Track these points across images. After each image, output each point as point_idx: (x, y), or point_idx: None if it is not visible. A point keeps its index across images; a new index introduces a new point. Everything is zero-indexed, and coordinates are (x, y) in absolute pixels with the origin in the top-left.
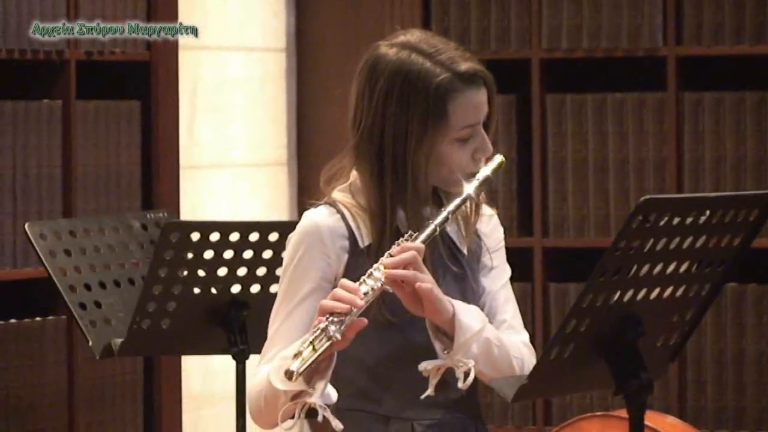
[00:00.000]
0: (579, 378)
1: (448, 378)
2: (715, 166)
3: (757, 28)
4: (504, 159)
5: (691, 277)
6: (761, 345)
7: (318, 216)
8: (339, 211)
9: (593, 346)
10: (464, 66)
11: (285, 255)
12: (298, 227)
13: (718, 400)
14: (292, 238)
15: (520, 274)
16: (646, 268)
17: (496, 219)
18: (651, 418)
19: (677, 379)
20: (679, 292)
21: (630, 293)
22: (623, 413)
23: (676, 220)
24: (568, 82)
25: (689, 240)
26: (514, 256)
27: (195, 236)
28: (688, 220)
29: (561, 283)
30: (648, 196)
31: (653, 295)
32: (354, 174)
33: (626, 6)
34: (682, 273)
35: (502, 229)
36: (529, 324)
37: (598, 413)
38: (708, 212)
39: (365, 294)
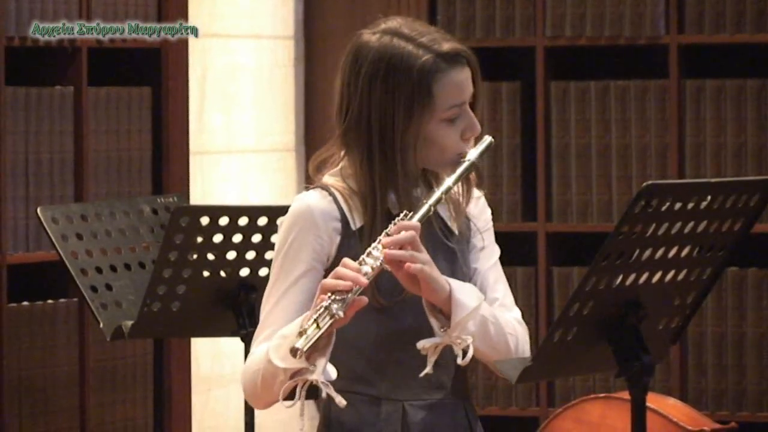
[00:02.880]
0: (582, 360)
1: (439, 360)
2: (716, 152)
3: (758, 17)
4: (493, 140)
5: (693, 261)
6: (761, 328)
7: (310, 198)
8: (331, 194)
9: (596, 329)
10: (446, 46)
11: (277, 237)
12: (291, 210)
13: (719, 382)
14: (285, 220)
15: (524, 259)
16: (648, 253)
17: (483, 200)
18: (652, 400)
19: (678, 362)
20: (680, 276)
21: (632, 277)
22: (625, 395)
23: (677, 205)
24: (572, 70)
25: (691, 225)
26: (518, 240)
27: (204, 220)
28: (690, 205)
29: (564, 267)
30: (650, 182)
31: (655, 279)
32: (344, 160)
33: None
34: (683, 257)
35: (489, 210)
36: (532, 307)
37: (601, 395)
38: (709, 197)
39: (365, 273)
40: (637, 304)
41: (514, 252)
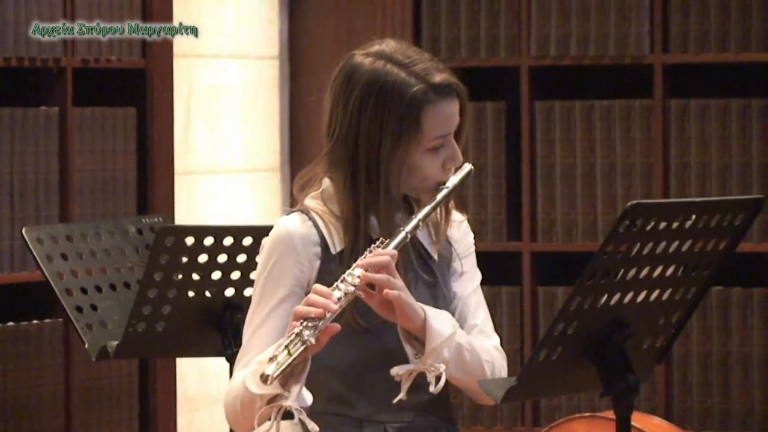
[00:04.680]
0: (567, 380)
1: (419, 381)
2: (700, 172)
3: (742, 37)
4: (473, 168)
5: (678, 280)
6: (746, 348)
7: (290, 223)
8: (311, 219)
9: (581, 349)
10: (438, 78)
11: (258, 262)
12: (271, 234)
13: (704, 401)
14: (266, 245)
15: (509, 278)
16: (633, 272)
17: (466, 225)
18: (638, 419)
19: (663, 381)
20: (665, 296)
21: (617, 296)
22: (610, 414)
23: (662, 225)
24: (557, 89)
25: (675, 244)
26: (503, 260)
27: (189, 240)
28: (675, 225)
29: (549, 287)
30: (635, 201)
31: (640, 298)
32: (325, 182)
33: (614, 14)
34: (668, 277)
35: (472, 235)
36: (517, 327)
37: (586, 414)
38: (694, 217)
39: (338, 299)
40: (622, 323)
41: (499, 271)
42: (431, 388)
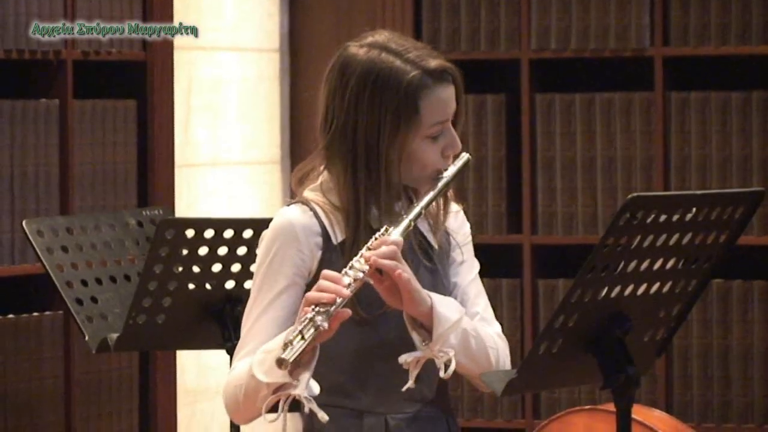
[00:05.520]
0: (567, 372)
1: (421, 373)
2: (701, 165)
3: (743, 29)
4: (470, 157)
5: (678, 273)
6: (746, 340)
7: (291, 213)
8: (312, 209)
9: (581, 341)
10: (433, 63)
11: (258, 252)
12: (272, 225)
13: (704, 394)
14: (266, 235)
15: (509, 271)
16: (633, 265)
17: (462, 214)
18: (638, 412)
19: (664, 374)
20: (665, 288)
21: (617, 289)
22: (611, 407)
23: (662, 218)
24: (557, 82)
25: (676, 237)
26: (503, 252)
27: (190, 233)
28: (675, 218)
29: (550, 279)
30: (635, 194)
31: (640, 291)
32: (324, 174)
33: (614, 7)
34: (668, 269)
35: (468, 225)
36: (518, 319)
37: (586, 407)
38: (694, 210)
39: (348, 285)
40: (623, 316)
41: (500, 264)
42: (441, 374)
